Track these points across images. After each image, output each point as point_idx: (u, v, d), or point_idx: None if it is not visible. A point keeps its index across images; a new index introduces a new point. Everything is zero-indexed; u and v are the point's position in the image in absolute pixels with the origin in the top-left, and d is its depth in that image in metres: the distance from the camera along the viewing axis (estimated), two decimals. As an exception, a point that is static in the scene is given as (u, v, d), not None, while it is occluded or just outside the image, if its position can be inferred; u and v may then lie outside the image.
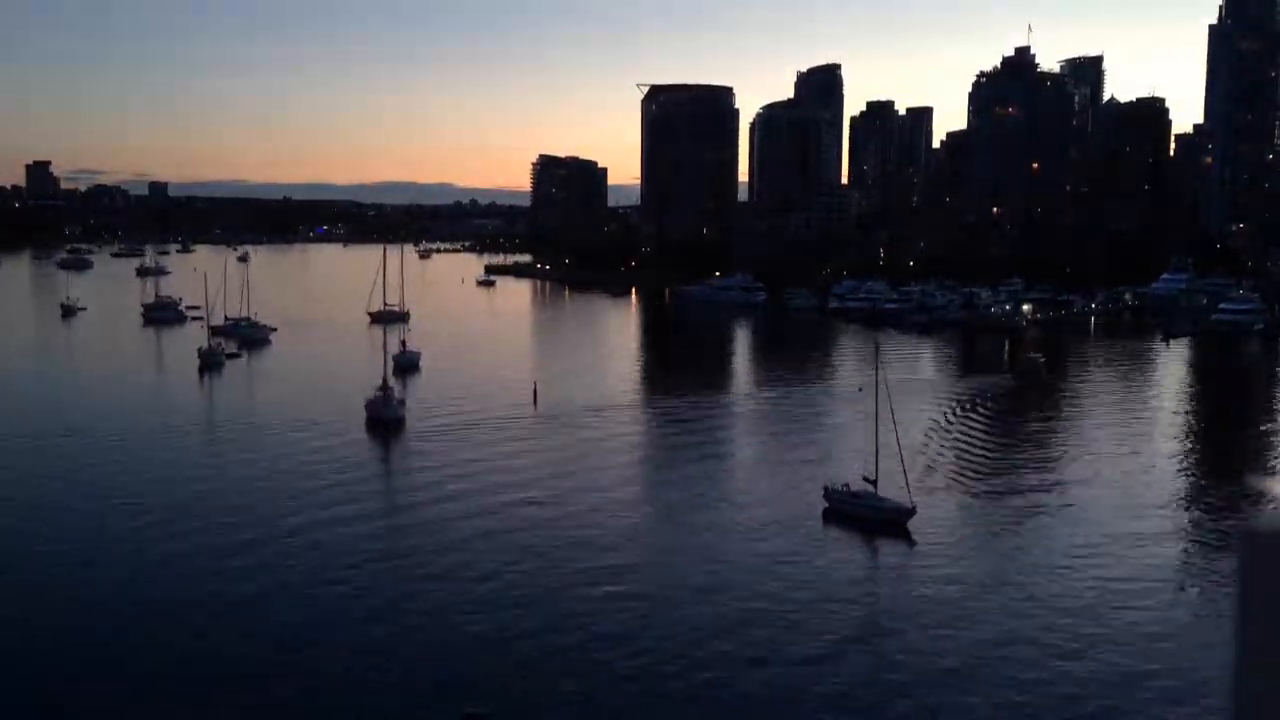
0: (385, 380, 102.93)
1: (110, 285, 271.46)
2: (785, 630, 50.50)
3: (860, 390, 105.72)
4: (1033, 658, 47.58)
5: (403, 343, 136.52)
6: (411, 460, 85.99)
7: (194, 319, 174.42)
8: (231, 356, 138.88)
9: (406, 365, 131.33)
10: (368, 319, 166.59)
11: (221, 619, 51.27)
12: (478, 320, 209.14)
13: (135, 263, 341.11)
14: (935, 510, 69.73)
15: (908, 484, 67.14)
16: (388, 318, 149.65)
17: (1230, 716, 2.31)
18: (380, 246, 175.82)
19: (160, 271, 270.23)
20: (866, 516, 67.27)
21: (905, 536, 65.34)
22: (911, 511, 66.48)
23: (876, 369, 74.45)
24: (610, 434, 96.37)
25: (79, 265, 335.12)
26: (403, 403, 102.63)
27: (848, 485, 70.50)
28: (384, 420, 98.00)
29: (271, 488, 75.38)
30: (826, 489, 71.48)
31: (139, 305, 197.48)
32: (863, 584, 59.32)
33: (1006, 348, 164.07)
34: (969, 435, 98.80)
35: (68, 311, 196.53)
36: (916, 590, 56.75)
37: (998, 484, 79.40)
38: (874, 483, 68.24)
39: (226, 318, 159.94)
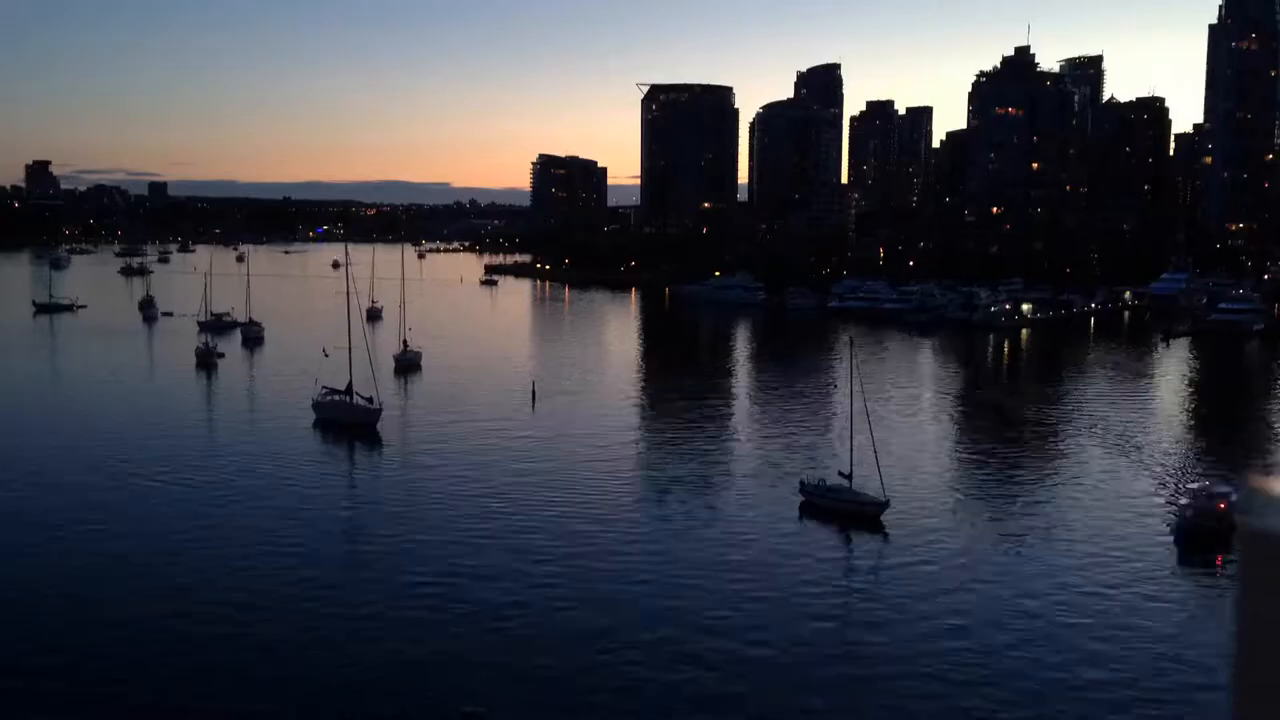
0: (349, 384, 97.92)
1: (95, 284, 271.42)
2: (779, 626, 50.58)
3: (835, 387, 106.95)
4: (1044, 661, 47.70)
5: (404, 342, 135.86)
6: (404, 463, 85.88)
7: (165, 315, 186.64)
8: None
9: (408, 365, 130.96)
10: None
11: (218, 620, 51.24)
12: (478, 320, 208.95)
13: (134, 261, 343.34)
14: (911, 504, 70.17)
15: (881, 478, 67.94)
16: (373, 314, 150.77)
17: (1231, 715, 2.29)
18: (379, 246, 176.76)
19: (144, 271, 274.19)
20: (841, 510, 68.36)
21: (879, 529, 66.28)
22: (885, 505, 67.47)
23: (851, 366, 75.50)
24: (607, 435, 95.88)
25: (60, 264, 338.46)
26: (376, 407, 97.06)
27: (823, 480, 71.59)
28: (347, 423, 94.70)
29: (242, 485, 75.62)
30: (802, 483, 72.50)
31: (113, 303, 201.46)
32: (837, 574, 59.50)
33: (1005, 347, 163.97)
34: (961, 433, 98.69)
35: (42, 309, 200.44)
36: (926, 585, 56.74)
37: (987, 484, 79.37)
38: (849, 477, 69.33)
39: (211, 314, 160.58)
